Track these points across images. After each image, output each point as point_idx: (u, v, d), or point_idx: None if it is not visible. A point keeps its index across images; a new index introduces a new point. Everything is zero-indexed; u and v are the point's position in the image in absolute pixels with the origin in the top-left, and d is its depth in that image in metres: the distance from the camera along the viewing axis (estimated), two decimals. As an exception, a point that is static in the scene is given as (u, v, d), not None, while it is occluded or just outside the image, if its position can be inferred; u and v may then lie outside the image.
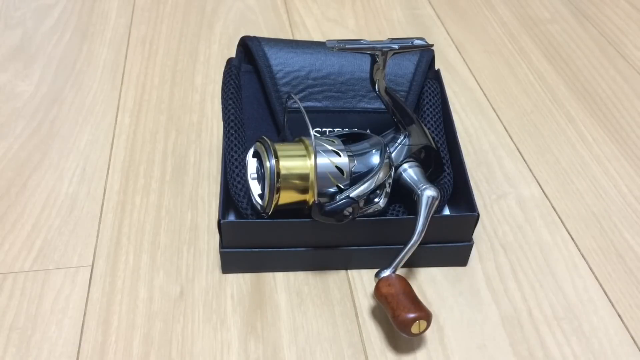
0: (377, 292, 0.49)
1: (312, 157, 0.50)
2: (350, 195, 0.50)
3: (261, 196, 0.52)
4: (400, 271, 0.50)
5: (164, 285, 0.53)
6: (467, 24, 0.94)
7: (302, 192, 0.51)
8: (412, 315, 0.46)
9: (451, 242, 0.55)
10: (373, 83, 0.52)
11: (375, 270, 0.50)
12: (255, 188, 0.52)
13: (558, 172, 0.68)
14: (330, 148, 0.52)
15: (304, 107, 0.52)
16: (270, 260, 0.54)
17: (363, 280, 0.55)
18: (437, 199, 0.52)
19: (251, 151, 0.53)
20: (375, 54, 0.50)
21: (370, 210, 0.52)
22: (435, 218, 0.52)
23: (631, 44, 0.90)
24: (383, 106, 0.55)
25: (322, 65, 0.61)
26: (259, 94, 0.62)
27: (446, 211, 0.60)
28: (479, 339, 0.50)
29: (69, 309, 0.51)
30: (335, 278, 0.55)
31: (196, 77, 0.79)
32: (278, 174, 0.49)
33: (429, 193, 0.51)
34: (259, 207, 0.52)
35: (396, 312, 0.46)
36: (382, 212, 0.53)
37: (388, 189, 0.53)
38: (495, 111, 0.76)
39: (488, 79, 0.82)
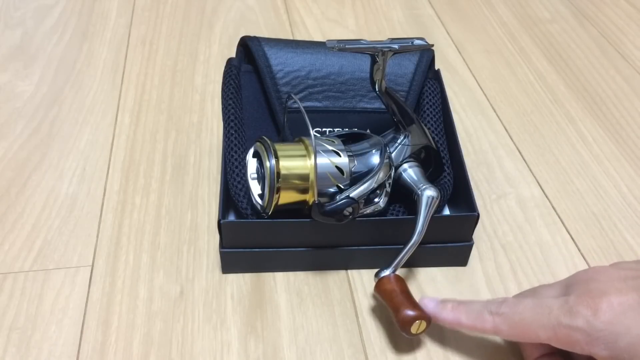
0: (378, 289, 0.48)
1: (312, 157, 0.50)
2: (350, 195, 0.50)
3: (261, 196, 0.52)
4: (400, 271, 0.50)
5: (164, 285, 0.53)
6: (467, 24, 0.94)
7: (302, 192, 0.51)
8: (413, 313, 0.46)
9: (451, 242, 0.55)
10: (373, 83, 0.52)
11: (375, 270, 0.50)
12: (255, 188, 0.52)
13: (558, 172, 0.68)
14: (330, 148, 0.52)
15: (304, 107, 0.52)
16: (270, 260, 0.54)
17: (363, 280, 0.55)
18: (437, 199, 0.52)
19: (251, 151, 0.53)
20: (375, 54, 0.50)
21: (370, 210, 0.52)
22: (435, 218, 0.52)
23: (631, 44, 0.90)
24: (383, 106, 0.55)
25: (322, 65, 0.61)
26: (259, 94, 0.62)
27: (446, 211, 0.60)
28: (478, 339, 0.50)
29: (69, 309, 0.51)
30: (335, 278, 0.55)
31: (196, 77, 0.79)
32: (278, 174, 0.49)
33: (429, 193, 0.51)
34: (259, 207, 0.52)
35: (400, 308, 0.46)
36: (382, 212, 0.53)
37: (388, 189, 0.53)
38: (495, 111, 0.76)
39: (488, 79, 0.82)
